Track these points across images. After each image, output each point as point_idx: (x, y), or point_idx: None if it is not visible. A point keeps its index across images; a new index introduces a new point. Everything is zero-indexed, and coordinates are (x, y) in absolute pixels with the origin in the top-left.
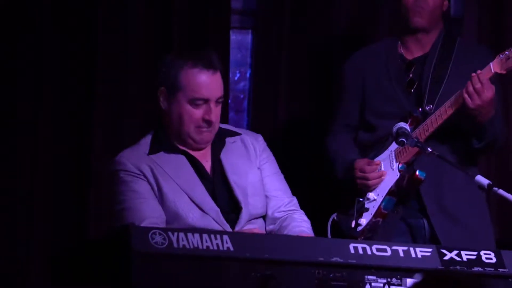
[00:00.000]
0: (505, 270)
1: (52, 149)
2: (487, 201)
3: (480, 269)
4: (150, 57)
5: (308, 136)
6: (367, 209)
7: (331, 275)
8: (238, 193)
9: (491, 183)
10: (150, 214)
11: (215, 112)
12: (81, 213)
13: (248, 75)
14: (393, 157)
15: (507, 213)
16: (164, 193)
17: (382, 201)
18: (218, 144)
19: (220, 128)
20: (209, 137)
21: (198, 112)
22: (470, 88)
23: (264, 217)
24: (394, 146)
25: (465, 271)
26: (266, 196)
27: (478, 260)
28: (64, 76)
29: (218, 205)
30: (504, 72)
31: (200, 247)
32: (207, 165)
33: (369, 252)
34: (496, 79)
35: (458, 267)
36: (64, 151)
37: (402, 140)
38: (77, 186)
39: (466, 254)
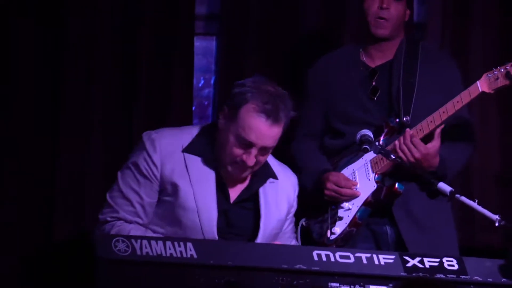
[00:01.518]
0: (467, 277)
1: (20, 150)
2: (452, 207)
3: (442, 276)
4: (116, 61)
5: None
6: (341, 218)
7: (295, 282)
8: (260, 234)
9: (453, 190)
10: (131, 211)
11: (256, 158)
12: (48, 213)
13: (212, 81)
14: (369, 167)
15: (469, 219)
16: (179, 196)
17: (357, 211)
18: (258, 181)
19: (268, 165)
20: (240, 176)
21: (239, 151)
22: (402, 146)
23: None
24: (370, 155)
25: (442, 278)
26: (281, 238)
27: (441, 267)
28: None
29: (228, 231)
30: (492, 92)
31: (164, 254)
32: (234, 192)
33: (332, 259)
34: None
35: (420, 274)
36: (30, 152)
37: (365, 147)
38: (44, 186)
39: (428, 261)
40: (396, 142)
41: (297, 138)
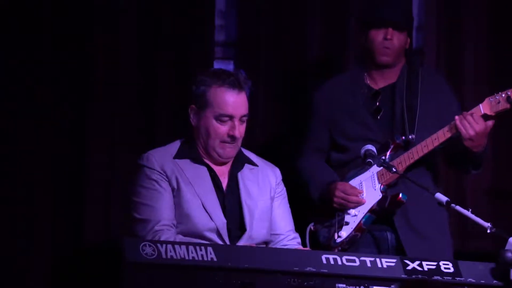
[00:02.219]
0: (461, 279)
1: (50, 154)
2: (448, 215)
3: (439, 278)
4: (141, 79)
5: (284, 158)
6: (347, 223)
7: (305, 283)
8: (246, 213)
9: (449, 200)
10: (166, 216)
11: (239, 129)
12: (79, 218)
13: None
14: (375, 179)
15: (464, 227)
16: (182, 195)
17: (363, 217)
18: (237, 165)
19: (242, 152)
20: (232, 152)
21: (223, 128)
22: (465, 121)
23: (266, 243)
24: (376, 168)
25: (439, 280)
26: (274, 231)
27: (438, 270)
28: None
29: (228, 219)
30: (493, 114)
31: (186, 257)
32: (224, 181)
33: (339, 263)
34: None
35: (419, 276)
36: (62, 155)
37: (369, 161)
38: (75, 191)
39: (426, 264)
40: (457, 117)
41: (303, 154)
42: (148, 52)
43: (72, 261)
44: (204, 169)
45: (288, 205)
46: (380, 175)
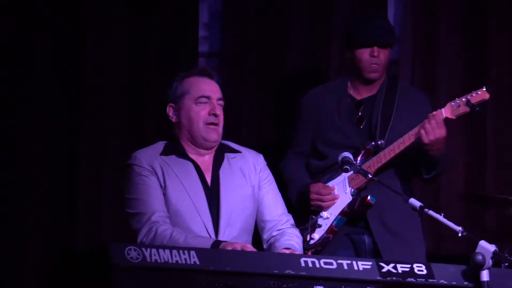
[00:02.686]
0: (434, 280)
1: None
2: (421, 220)
3: (413, 280)
4: (130, 85)
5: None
6: (319, 226)
7: (285, 285)
8: (223, 210)
9: (422, 205)
10: (159, 208)
11: (219, 110)
12: (71, 223)
13: None
14: (347, 182)
15: (437, 230)
16: (169, 190)
17: (334, 220)
18: (218, 159)
19: (221, 143)
20: (216, 135)
21: (204, 109)
22: (427, 125)
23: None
24: (348, 173)
25: (416, 282)
26: (265, 218)
27: (411, 272)
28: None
29: (210, 212)
30: (454, 117)
31: (170, 261)
32: (208, 176)
33: (317, 265)
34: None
35: (394, 278)
36: (51, 164)
37: (346, 167)
38: (67, 197)
39: (401, 267)
40: (425, 122)
41: (286, 156)
42: (137, 63)
43: (63, 265)
44: (190, 165)
45: (276, 190)
46: (351, 179)
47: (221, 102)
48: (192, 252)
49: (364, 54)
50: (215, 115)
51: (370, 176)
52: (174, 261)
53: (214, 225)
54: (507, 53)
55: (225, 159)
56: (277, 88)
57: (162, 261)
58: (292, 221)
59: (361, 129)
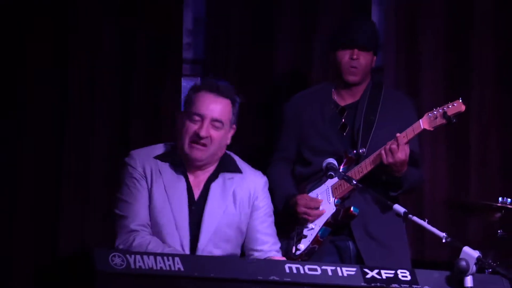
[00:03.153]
0: (418, 286)
1: (23, 166)
2: (405, 227)
3: (397, 285)
4: (115, 92)
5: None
6: (305, 236)
7: None
8: (203, 233)
9: (406, 211)
10: (142, 215)
11: (208, 130)
12: (53, 229)
13: None
14: (330, 192)
15: (421, 236)
16: (154, 199)
17: (319, 230)
18: (212, 178)
19: (224, 160)
20: (199, 155)
21: (193, 127)
22: (387, 147)
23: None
24: (330, 182)
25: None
26: (255, 238)
27: (395, 278)
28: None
29: (190, 229)
30: (432, 129)
31: (155, 267)
32: (197, 192)
33: (302, 271)
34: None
35: (378, 284)
36: (34, 169)
37: (331, 174)
38: (50, 203)
39: (385, 273)
40: (387, 143)
41: (272, 163)
42: (120, 70)
43: (46, 271)
44: (181, 178)
45: (270, 218)
46: (334, 189)
47: (218, 124)
48: (177, 259)
49: (345, 56)
50: (199, 136)
51: (355, 183)
52: (158, 268)
53: (192, 244)
54: (490, 58)
55: (220, 178)
56: (260, 94)
57: (147, 267)
58: (278, 247)
59: (344, 136)
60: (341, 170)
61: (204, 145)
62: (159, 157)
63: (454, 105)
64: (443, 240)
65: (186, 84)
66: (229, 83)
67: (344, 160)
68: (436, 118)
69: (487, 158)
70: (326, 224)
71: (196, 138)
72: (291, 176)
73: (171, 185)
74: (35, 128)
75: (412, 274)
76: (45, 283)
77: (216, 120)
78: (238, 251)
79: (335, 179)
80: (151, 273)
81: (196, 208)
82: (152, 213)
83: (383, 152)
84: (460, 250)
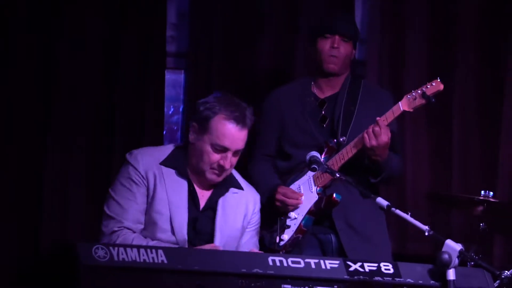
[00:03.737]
0: (401, 279)
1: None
2: (386, 219)
3: (379, 278)
4: (98, 86)
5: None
6: (288, 226)
7: (253, 284)
8: (217, 238)
9: (389, 204)
10: (132, 219)
11: (231, 161)
12: (35, 223)
13: (181, 109)
14: (312, 181)
15: (403, 230)
16: (154, 204)
17: (302, 220)
18: (221, 189)
19: (231, 176)
20: (217, 180)
21: (216, 156)
22: (370, 130)
23: None
24: (312, 172)
25: (383, 281)
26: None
27: (378, 271)
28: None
29: (195, 236)
30: (412, 110)
31: (138, 260)
32: (203, 201)
33: (285, 264)
34: (401, 117)
35: (361, 277)
36: (17, 164)
37: (314, 167)
38: (32, 196)
39: (368, 266)
40: (370, 126)
41: (254, 159)
42: (103, 62)
43: (28, 266)
44: (184, 183)
45: (257, 235)
46: (315, 178)
47: (239, 152)
48: (160, 251)
49: (325, 45)
50: (221, 168)
51: (338, 175)
52: (141, 260)
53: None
54: (473, 53)
55: (229, 192)
56: (244, 88)
57: (130, 259)
58: None
59: (324, 128)
60: (322, 159)
61: (222, 172)
62: (164, 163)
63: (432, 85)
64: (426, 233)
65: (169, 77)
66: (249, 107)
67: (325, 150)
68: (415, 98)
69: (469, 151)
70: (309, 212)
71: (218, 168)
72: (273, 171)
73: (173, 193)
74: (19, 122)
75: (395, 267)
76: (28, 278)
77: (239, 150)
78: None
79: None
80: (134, 266)
81: (202, 217)
82: (152, 217)
83: (365, 135)
84: (442, 243)
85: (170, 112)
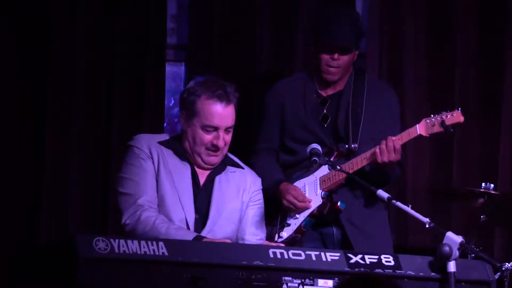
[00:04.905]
0: (401, 271)
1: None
2: (388, 212)
3: (380, 270)
4: (97, 77)
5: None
6: (288, 225)
7: (253, 276)
8: (212, 212)
9: (390, 196)
10: (149, 192)
11: (224, 139)
12: (34, 216)
13: None
14: (318, 184)
15: (404, 222)
16: (161, 182)
17: (303, 221)
18: (218, 168)
19: (228, 156)
20: (215, 160)
21: (208, 137)
22: (383, 146)
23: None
24: (319, 173)
25: (383, 273)
26: (246, 229)
27: (379, 263)
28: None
29: (195, 212)
30: (428, 136)
31: (139, 252)
32: (202, 178)
33: (286, 256)
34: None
35: (362, 269)
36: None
37: (315, 159)
38: (32, 189)
39: (369, 258)
40: (382, 142)
41: (257, 152)
42: (103, 54)
43: (28, 257)
44: (186, 164)
45: (262, 214)
46: (322, 181)
47: (231, 129)
48: (161, 243)
49: (325, 56)
50: (215, 147)
51: (339, 168)
52: (142, 252)
53: (197, 224)
54: (472, 46)
55: (225, 170)
56: (245, 79)
57: (131, 252)
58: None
59: (326, 127)
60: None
61: (217, 150)
62: (163, 143)
63: (453, 115)
64: (427, 226)
65: (169, 69)
66: (230, 84)
67: (335, 154)
68: (433, 125)
69: (470, 144)
70: (311, 215)
71: (213, 147)
72: (277, 165)
73: (176, 169)
74: (18, 113)
75: (395, 259)
76: (27, 270)
77: (229, 127)
78: (234, 239)
79: (325, 171)
80: (135, 258)
81: (201, 191)
82: (160, 196)
83: (377, 151)
84: (443, 235)
85: (171, 105)
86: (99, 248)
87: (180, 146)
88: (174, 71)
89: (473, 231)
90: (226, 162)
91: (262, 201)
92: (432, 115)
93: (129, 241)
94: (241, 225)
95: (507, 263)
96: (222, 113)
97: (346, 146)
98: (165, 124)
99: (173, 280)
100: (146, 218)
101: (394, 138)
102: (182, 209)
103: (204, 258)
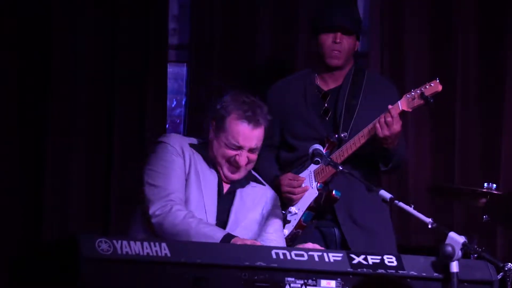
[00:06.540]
0: (404, 272)
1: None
2: (390, 212)
3: (383, 271)
4: (99, 78)
5: None
6: (289, 221)
7: (256, 277)
8: (231, 221)
9: (392, 196)
10: (180, 190)
11: (245, 158)
12: (36, 215)
13: (183, 102)
14: (313, 177)
15: (406, 222)
16: (189, 183)
17: (302, 215)
18: (242, 181)
19: (252, 173)
20: (235, 177)
21: (231, 153)
22: (382, 120)
23: None
24: (313, 167)
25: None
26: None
27: (382, 263)
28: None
29: (219, 217)
30: (410, 110)
31: (141, 253)
32: (225, 188)
33: (288, 257)
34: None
35: (364, 269)
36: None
37: (317, 160)
38: (33, 188)
39: (371, 258)
40: (381, 116)
41: None
42: (104, 55)
43: (29, 257)
44: (213, 172)
45: (281, 227)
46: (316, 174)
47: (255, 150)
48: (163, 244)
49: (327, 40)
50: (237, 163)
51: (341, 168)
52: (145, 253)
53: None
54: (473, 44)
55: (250, 185)
56: (246, 79)
57: (133, 253)
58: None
59: (327, 120)
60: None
61: (241, 168)
62: (194, 146)
63: (431, 85)
64: (429, 226)
65: (171, 70)
66: (263, 104)
67: (326, 145)
68: (414, 99)
69: (472, 143)
70: (309, 208)
71: (234, 163)
72: (275, 162)
73: (205, 174)
74: (18, 113)
75: (398, 259)
76: (27, 270)
77: (254, 148)
78: None
79: (318, 164)
80: (138, 259)
81: (224, 202)
82: (185, 193)
83: (378, 125)
84: (446, 235)
85: (173, 105)
86: (101, 249)
87: (207, 153)
88: (176, 72)
89: (475, 231)
90: (249, 178)
91: (281, 215)
92: (412, 90)
93: (131, 242)
94: (260, 236)
95: (509, 263)
96: (248, 135)
97: (336, 135)
98: (167, 125)
99: (175, 281)
100: (177, 211)
101: (390, 107)
102: (205, 213)
103: (208, 259)
